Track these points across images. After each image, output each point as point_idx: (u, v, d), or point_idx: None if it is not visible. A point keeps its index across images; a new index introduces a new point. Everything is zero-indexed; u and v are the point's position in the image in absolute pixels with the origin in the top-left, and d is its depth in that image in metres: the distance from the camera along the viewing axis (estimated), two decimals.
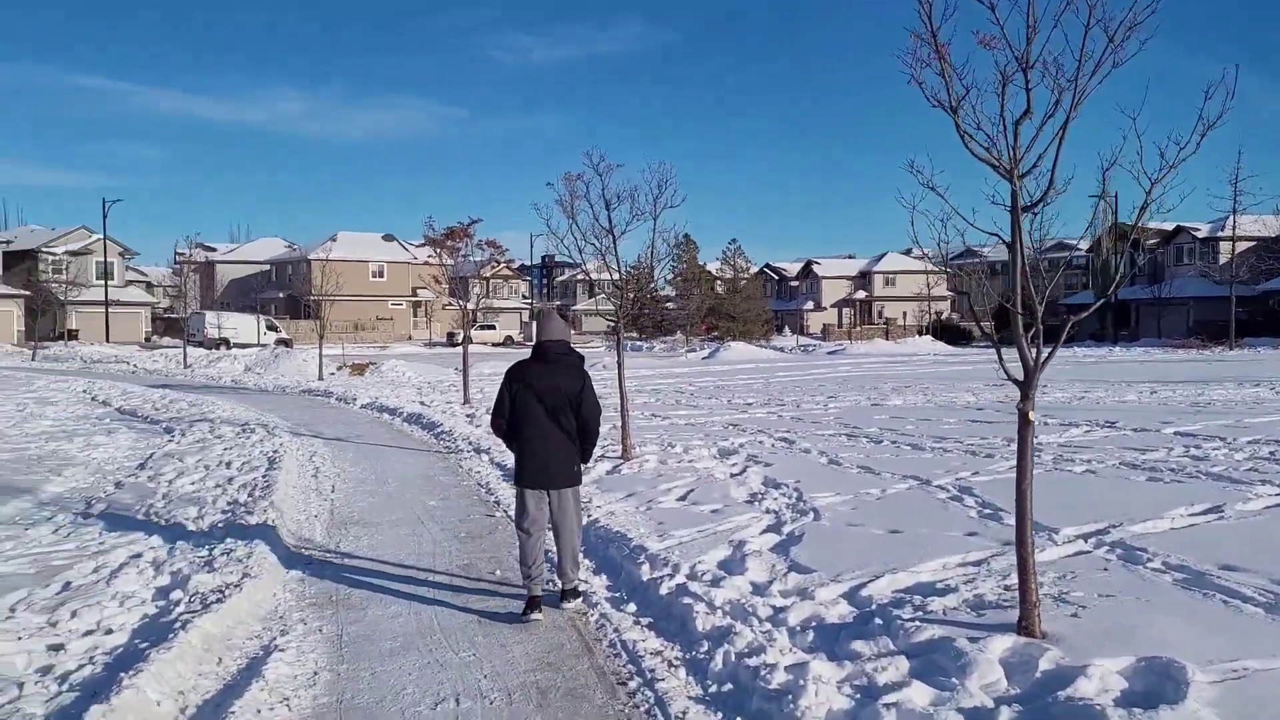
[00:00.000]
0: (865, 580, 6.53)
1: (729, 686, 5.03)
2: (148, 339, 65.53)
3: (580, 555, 6.89)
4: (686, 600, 6.24)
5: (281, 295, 76.19)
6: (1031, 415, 5.13)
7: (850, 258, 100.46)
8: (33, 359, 45.10)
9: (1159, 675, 4.57)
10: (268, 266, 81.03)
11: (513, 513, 8.94)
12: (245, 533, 8.32)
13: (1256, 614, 5.56)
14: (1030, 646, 4.95)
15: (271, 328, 62.50)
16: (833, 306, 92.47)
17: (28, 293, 57.71)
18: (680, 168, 12.67)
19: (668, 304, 72.37)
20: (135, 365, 41.87)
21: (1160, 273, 63.01)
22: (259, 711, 4.82)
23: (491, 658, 5.63)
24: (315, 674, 5.38)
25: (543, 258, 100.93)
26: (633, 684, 5.20)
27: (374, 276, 75.48)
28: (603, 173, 12.30)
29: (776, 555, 7.37)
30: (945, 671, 4.82)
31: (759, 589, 6.54)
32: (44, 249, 64.31)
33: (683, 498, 9.80)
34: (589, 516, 8.66)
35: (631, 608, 6.52)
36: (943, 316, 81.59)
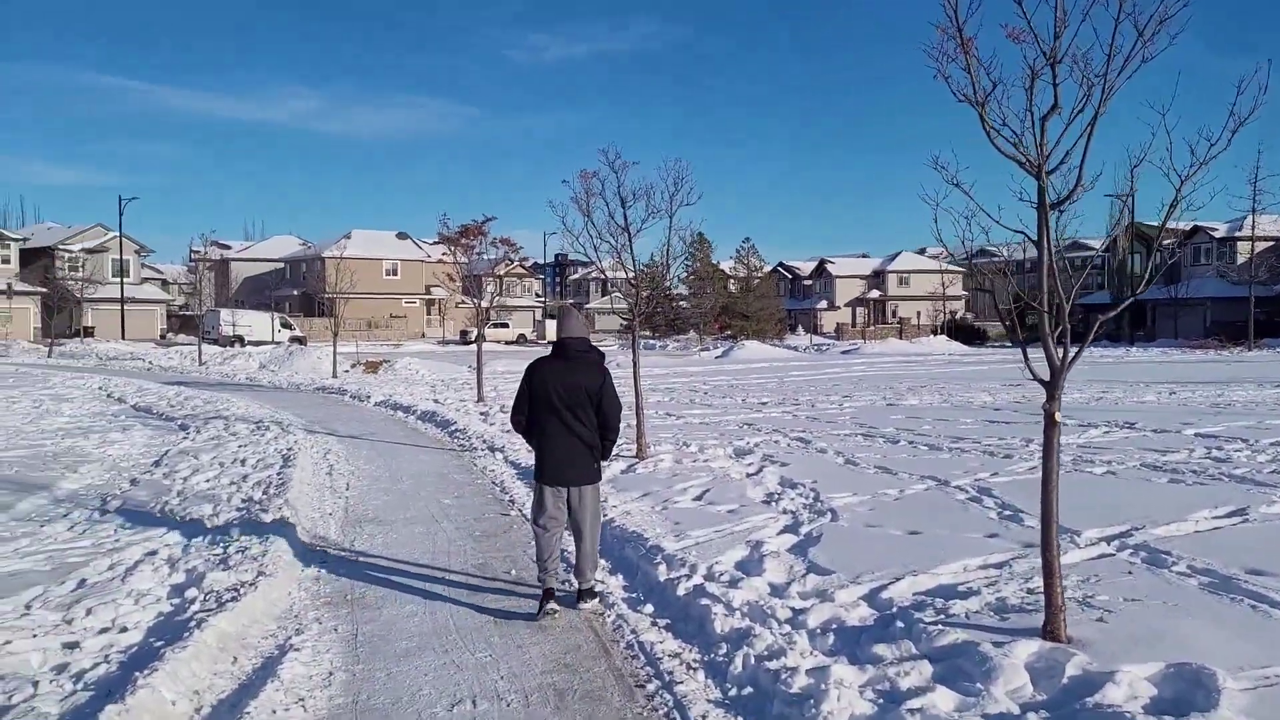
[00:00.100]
0: (885, 582, 6.45)
1: (749, 690, 4.96)
2: (163, 336, 65.79)
3: (598, 556, 6.83)
4: (704, 601, 6.17)
5: (296, 293, 76.39)
6: (1058, 416, 5.04)
7: (864, 257, 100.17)
8: (49, 356, 45.33)
9: (1189, 682, 4.48)
10: (282, 264, 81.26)
11: (528, 511, 8.91)
12: (260, 530, 8.29)
13: None
14: (1056, 651, 4.87)
15: (286, 325, 62.69)
16: (846, 306, 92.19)
17: (44, 290, 58.01)
18: (694, 166, 12.56)
19: (681, 302, 72.29)
20: (150, 362, 42.01)
21: (1177, 273, 62.57)
22: (274, 712, 4.78)
23: (508, 658, 5.57)
24: (331, 674, 5.34)
25: (556, 256, 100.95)
26: (651, 686, 5.14)
27: (388, 274, 75.61)
28: (618, 170, 12.26)
29: (794, 556, 7.30)
30: (970, 676, 4.74)
31: (777, 590, 6.47)
32: (60, 246, 64.63)
33: (698, 497, 9.74)
34: (604, 516, 8.59)
35: (649, 608, 6.46)
36: (957, 316, 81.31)
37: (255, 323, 60.83)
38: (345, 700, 5.00)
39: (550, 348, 6.84)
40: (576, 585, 6.63)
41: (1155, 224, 57.77)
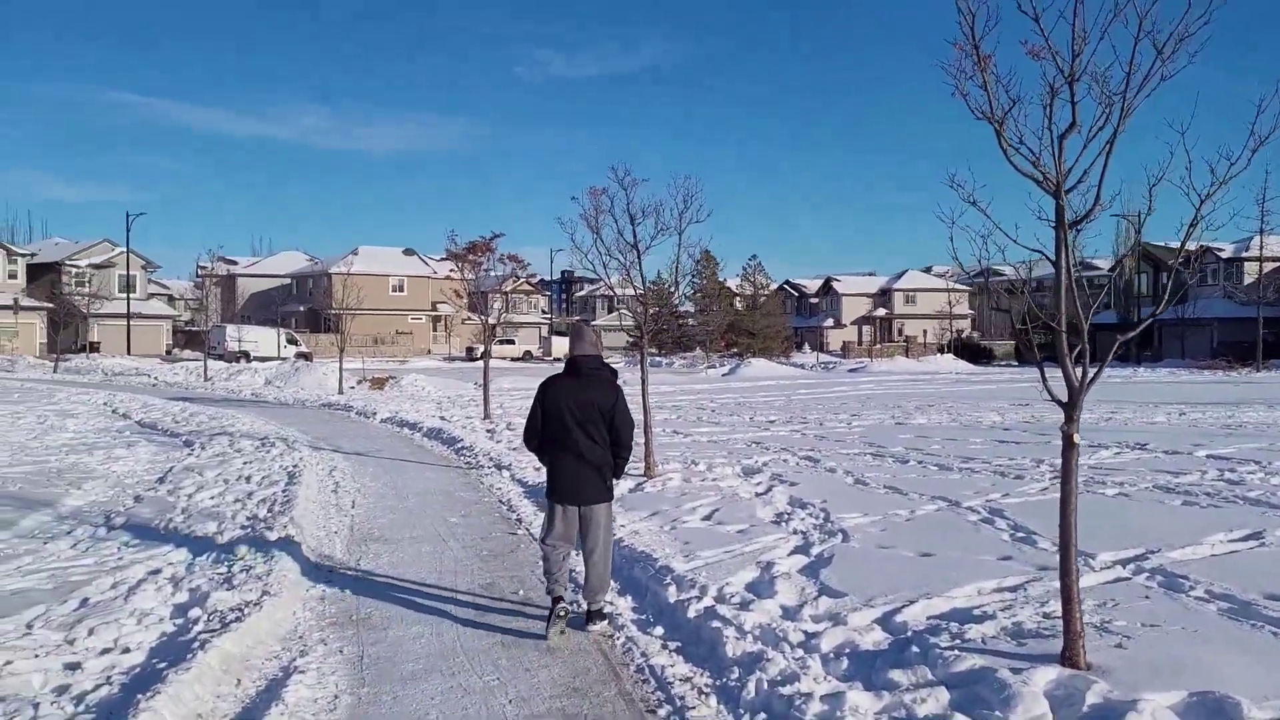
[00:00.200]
0: (899, 605, 6.36)
1: (762, 716, 4.86)
2: (169, 352, 65.85)
3: (609, 578, 6.73)
4: (715, 624, 6.08)
5: (302, 309, 76.50)
6: (1076, 438, 4.95)
7: (870, 275, 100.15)
8: (54, 371, 45.36)
9: (1213, 711, 4.39)
10: (288, 280, 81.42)
11: (536, 530, 8.84)
12: (265, 549, 8.21)
13: None
14: (1076, 679, 4.77)
15: (292, 341, 62.69)
16: (852, 324, 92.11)
17: (51, 305, 58.12)
18: (701, 183, 12.49)
19: (687, 320, 72.23)
20: (156, 378, 42.02)
21: (1184, 293, 62.31)
22: None
23: (516, 682, 5.48)
24: (336, 697, 5.25)
25: (562, 273, 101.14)
26: (662, 712, 5.04)
27: (394, 291, 75.71)
28: (628, 187, 12.21)
29: (806, 578, 7.21)
30: (988, 704, 4.64)
31: (789, 613, 6.38)
32: (67, 262, 64.83)
33: (707, 517, 9.65)
34: (613, 535, 8.50)
35: (659, 630, 6.36)
36: (963, 334, 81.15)
37: (261, 339, 60.85)
38: None
39: (563, 365, 6.80)
40: (585, 606, 6.54)
41: (1161, 244, 57.81)
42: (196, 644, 5.69)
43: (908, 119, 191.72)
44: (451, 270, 25.14)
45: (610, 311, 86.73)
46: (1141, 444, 15.05)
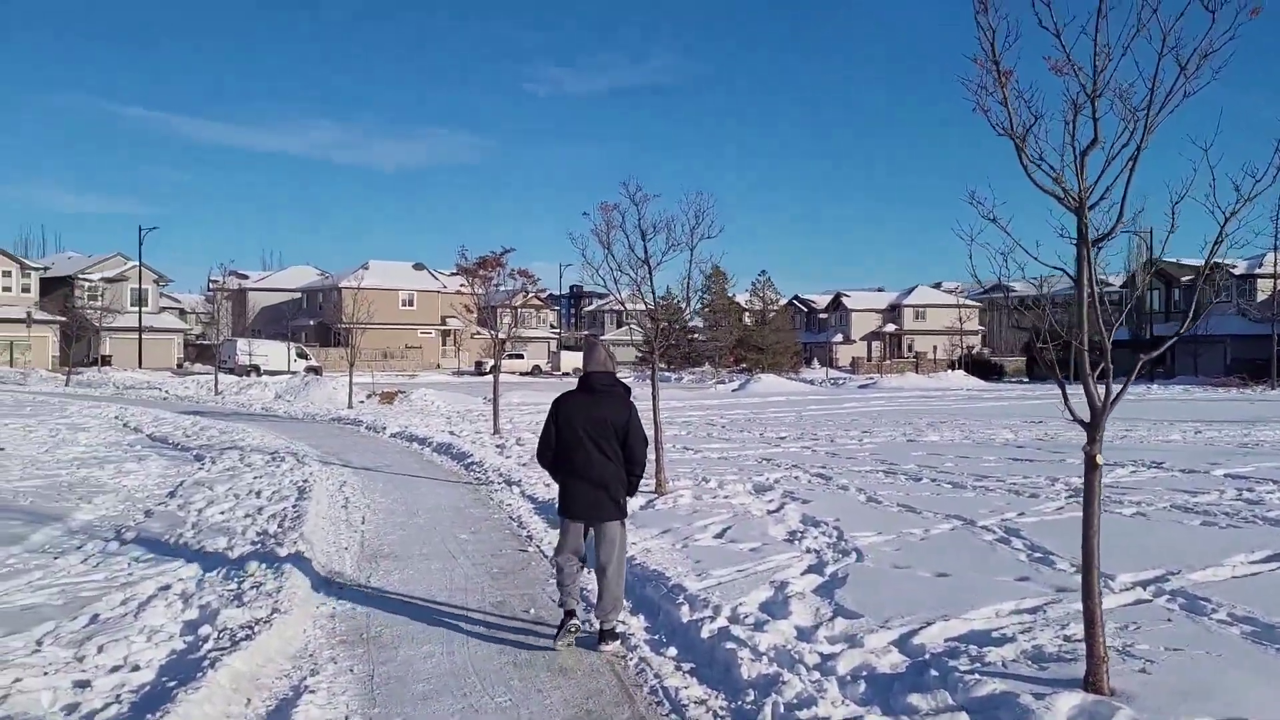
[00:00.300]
0: (916, 627, 6.27)
1: None
2: (180, 365, 66.06)
3: (622, 597, 6.67)
4: (730, 645, 6.00)
5: (312, 323, 76.70)
6: (1099, 459, 4.87)
7: (880, 290, 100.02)
8: (66, 384, 45.47)
9: None
10: (299, 294, 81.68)
11: (545, 547, 8.79)
12: (275, 565, 8.16)
13: None
14: (1100, 705, 4.68)
15: (302, 355, 62.85)
16: (862, 339, 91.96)
17: (63, 319, 58.33)
18: (711, 198, 12.42)
19: (696, 335, 72.23)
20: (167, 391, 42.11)
21: (1197, 310, 62.00)
22: None
23: (528, 703, 5.41)
24: (347, 718, 5.19)
25: (571, 287, 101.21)
26: None
27: (404, 305, 75.87)
28: (639, 203, 12.19)
29: (820, 598, 7.12)
30: None
31: (804, 634, 6.30)
32: (80, 275, 65.17)
33: (720, 535, 9.57)
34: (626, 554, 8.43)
35: (672, 651, 6.29)
36: (973, 351, 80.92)
37: (272, 352, 60.97)
38: None
39: (575, 381, 6.77)
40: (598, 625, 6.48)
41: (1173, 260, 57.61)
42: (207, 662, 5.64)
43: (919, 134, 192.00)
44: (462, 285, 25.15)
45: (619, 326, 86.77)
46: (1158, 462, 14.92)
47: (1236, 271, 61.44)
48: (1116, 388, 4.84)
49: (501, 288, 25.33)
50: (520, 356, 70.07)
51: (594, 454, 6.41)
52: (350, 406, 31.98)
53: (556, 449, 6.54)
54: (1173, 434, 20.60)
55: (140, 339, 62.85)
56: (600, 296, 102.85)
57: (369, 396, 34.62)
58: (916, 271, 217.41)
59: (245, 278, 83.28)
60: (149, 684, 5.47)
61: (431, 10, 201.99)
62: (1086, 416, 4.94)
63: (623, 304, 13.53)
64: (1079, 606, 6.38)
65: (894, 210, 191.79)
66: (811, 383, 58.69)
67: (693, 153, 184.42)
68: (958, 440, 19.56)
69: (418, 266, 79.59)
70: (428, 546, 9.68)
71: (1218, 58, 4.57)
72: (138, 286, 65.18)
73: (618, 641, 6.37)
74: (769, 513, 10.72)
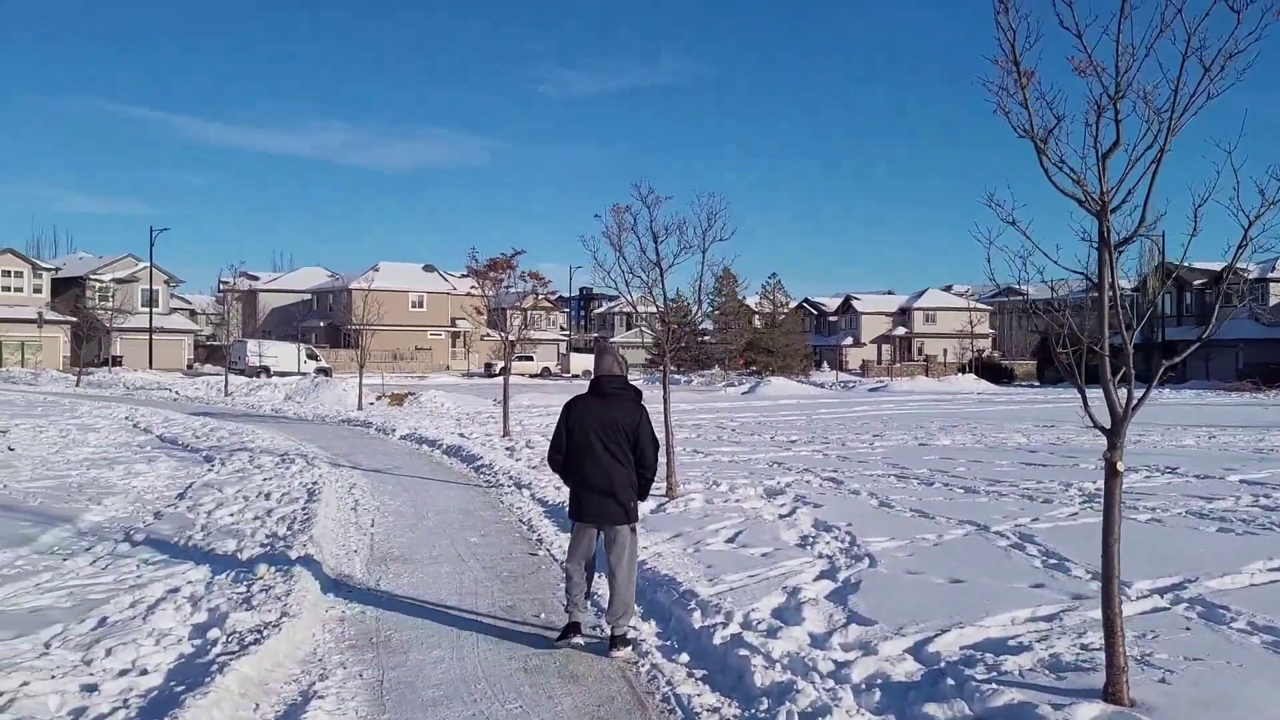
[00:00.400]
0: (931, 634, 6.20)
1: None
2: (190, 366, 66.21)
3: (633, 602, 6.61)
4: (742, 652, 5.93)
5: (322, 324, 76.81)
6: (1120, 466, 4.80)
7: (890, 294, 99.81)
8: (77, 385, 45.59)
9: None
10: (309, 296, 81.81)
11: (556, 551, 8.76)
12: (284, 568, 8.11)
13: None
14: (1120, 716, 4.61)
15: (312, 356, 62.90)
16: (872, 342, 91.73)
17: (74, 319, 58.58)
18: (724, 200, 12.37)
19: (706, 338, 72.12)
20: (177, 392, 42.18)
21: (1209, 314, 61.67)
22: None
23: (539, 709, 5.35)
24: None
25: (581, 289, 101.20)
26: None
27: (414, 307, 75.92)
28: (651, 205, 12.14)
29: (834, 604, 7.05)
30: None
31: (818, 641, 6.23)
32: (91, 276, 65.37)
33: (731, 539, 9.50)
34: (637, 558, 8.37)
35: (684, 658, 6.23)
36: (984, 354, 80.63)
37: (281, 354, 61.05)
38: None
39: (586, 384, 6.75)
40: (609, 631, 6.43)
41: (1185, 265, 57.26)
42: (215, 667, 5.59)
43: (930, 137, 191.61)
44: (472, 287, 25.14)
45: (629, 329, 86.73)
46: (1172, 468, 14.80)
47: (1249, 275, 61.10)
48: (1137, 393, 4.76)
49: (511, 290, 25.29)
50: (530, 359, 70.05)
51: (605, 458, 6.40)
52: (360, 408, 31.97)
53: (567, 452, 6.53)
54: (1186, 439, 20.45)
55: (151, 340, 63.00)
56: (610, 299, 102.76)
57: (379, 398, 34.63)
58: (927, 274, 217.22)
59: (255, 279, 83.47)
60: (157, 688, 5.42)
61: (441, 13, 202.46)
62: (1107, 422, 4.87)
63: (634, 306, 13.48)
64: (1096, 614, 6.33)
65: (905, 213, 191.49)
66: (821, 386, 58.56)
67: (702, 155, 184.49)
68: (969, 444, 19.45)
69: (428, 268, 79.65)
70: (437, 549, 9.64)
71: (1242, 59, 4.49)
72: (148, 287, 65.32)
73: (629, 648, 6.31)
74: (780, 517, 10.65)
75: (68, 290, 63.38)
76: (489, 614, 7.30)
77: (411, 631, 6.82)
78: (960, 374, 66.31)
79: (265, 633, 6.30)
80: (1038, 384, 63.49)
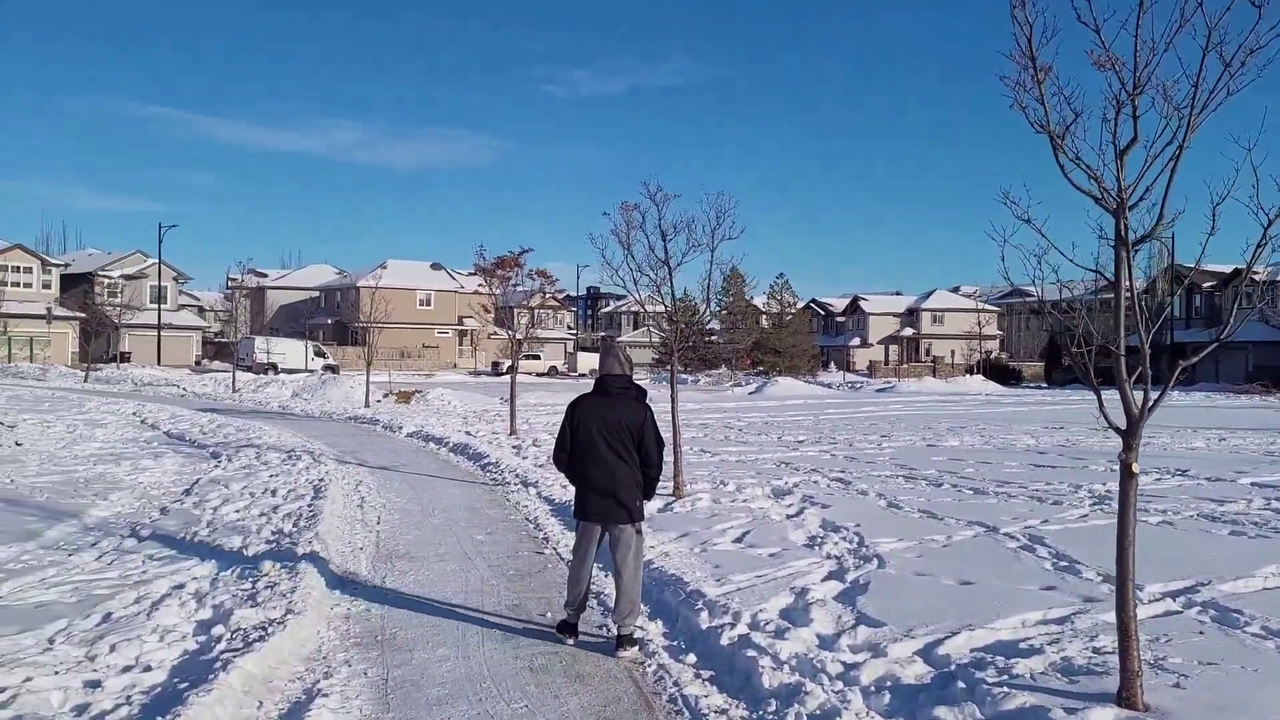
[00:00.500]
0: (941, 636, 6.13)
1: None
2: (198, 362, 66.30)
3: (639, 601, 6.57)
4: (750, 653, 5.88)
5: (330, 322, 76.89)
6: (1135, 467, 4.73)
7: (897, 294, 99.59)
8: (85, 381, 45.67)
9: None
10: (317, 293, 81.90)
11: (562, 550, 8.71)
12: (289, 565, 8.07)
13: None
14: None
15: (319, 354, 62.97)
16: (879, 343, 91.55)
17: (83, 315, 58.66)
18: (733, 199, 12.29)
19: (714, 338, 72.02)
20: (185, 389, 42.24)
21: (1218, 316, 61.55)
22: None
23: (544, 709, 5.30)
24: None
25: (588, 289, 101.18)
26: None
27: (421, 305, 75.94)
28: (659, 203, 12.07)
29: (842, 605, 6.99)
30: None
31: (826, 642, 6.17)
32: (100, 272, 65.50)
33: (739, 539, 9.44)
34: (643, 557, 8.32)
35: (691, 659, 6.17)
36: (992, 356, 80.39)
37: (289, 351, 61.12)
38: None
39: (592, 384, 6.72)
40: (615, 630, 6.38)
41: (1193, 266, 57.05)
42: (219, 664, 5.55)
43: (938, 138, 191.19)
44: (480, 285, 25.08)
45: (636, 328, 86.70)
46: (1182, 470, 14.71)
47: (1259, 277, 60.81)
48: (1153, 394, 4.69)
49: (519, 288, 25.24)
50: (537, 357, 70.05)
51: (609, 457, 6.38)
52: (367, 405, 31.98)
53: (572, 451, 6.52)
54: (1196, 441, 20.33)
55: (159, 336, 63.11)
56: (618, 298, 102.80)
57: (386, 396, 34.62)
58: (934, 275, 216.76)
59: (264, 276, 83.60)
60: (160, 685, 5.38)
61: (447, 13, 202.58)
62: (1122, 423, 4.80)
63: (641, 305, 13.41)
64: (1107, 617, 6.27)
65: (912, 214, 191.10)
66: (829, 386, 58.45)
67: (706, 155, 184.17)
68: (978, 445, 19.36)
69: (435, 266, 79.67)
70: (443, 547, 9.60)
71: (1263, 54, 4.42)
72: (157, 284, 65.41)
73: (636, 648, 6.27)
74: (788, 517, 10.59)
75: (76, 286, 63.53)
76: (495, 612, 7.26)
77: (417, 629, 6.77)
78: (968, 375, 66.12)
79: (270, 630, 6.26)
80: (1045, 386, 63.30)
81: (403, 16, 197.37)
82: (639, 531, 6.54)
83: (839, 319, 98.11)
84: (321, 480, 13.23)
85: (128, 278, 65.65)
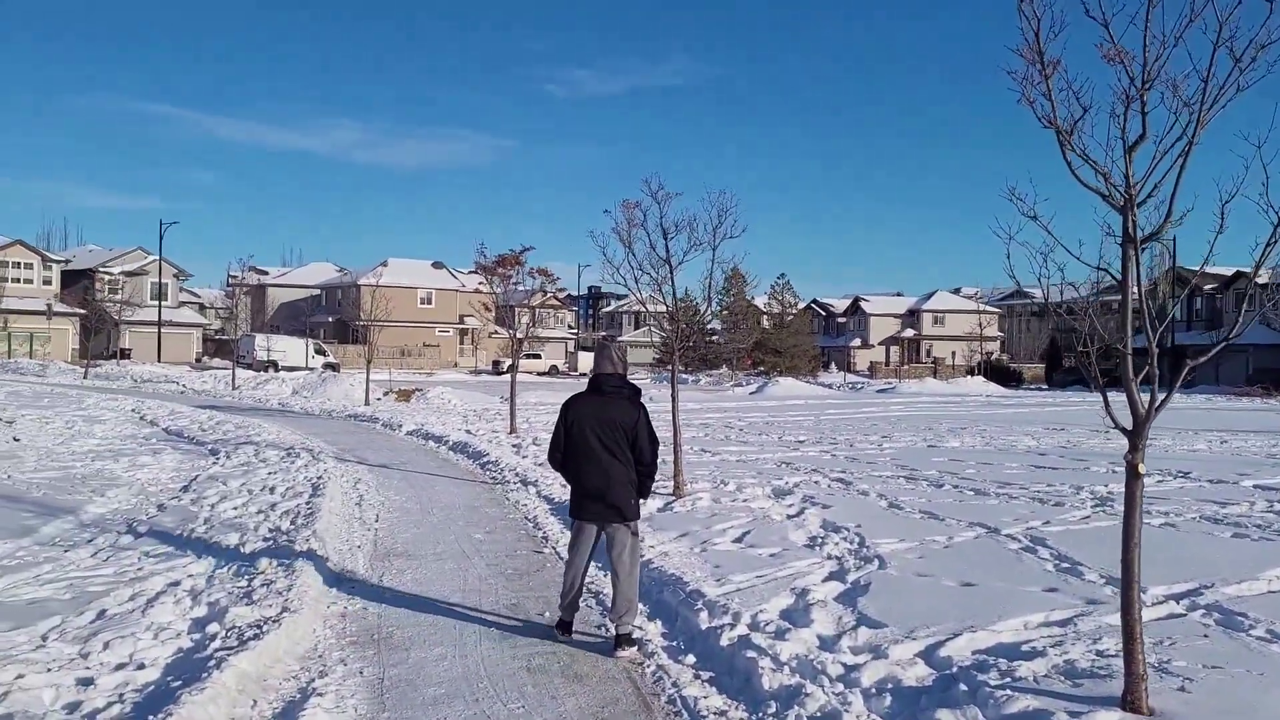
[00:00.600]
0: (942, 638, 6.07)
1: None
2: (198, 360, 66.22)
3: (637, 600, 6.52)
4: (750, 654, 5.82)
5: (330, 320, 76.82)
6: (1142, 468, 4.67)
7: (898, 295, 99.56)
8: (84, 377, 45.61)
9: None
10: (318, 291, 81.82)
11: (561, 549, 8.67)
12: (286, 563, 8.02)
13: None
14: None
15: (320, 351, 62.91)
16: (880, 344, 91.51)
17: (83, 311, 58.57)
18: (735, 197, 12.22)
19: (715, 337, 71.96)
20: (184, 386, 42.19)
21: (1219, 318, 61.51)
22: None
23: (542, 710, 5.24)
24: None
25: (589, 288, 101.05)
26: None
27: (422, 303, 75.87)
28: (661, 201, 12.00)
29: (843, 606, 6.94)
30: None
31: (827, 644, 6.11)
32: (101, 269, 65.39)
33: (739, 539, 9.38)
34: (642, 556, 8.25)
35: (690, 659, 6.11)
36: (992, 357, 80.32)
37: (290, 348, 61.08)
38: None
39: (586, 383, 6.68)
40: (614, 630, 6.33)
41: (1195, 269, 56.94)
42: (213, 662, 5.49)
43: (939, 138, 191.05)
44: (480, 284, 25.02)
45: (638, 328, 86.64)
46: (1184, 472, 14.64)
47: (1260, 280, 60.77)
48: (1167, 396, 4.63)
49: (520, 286, 25.18)
50: (538, 356, 70.00)
51: (603, 456, 6.35)
52: (367, 403, 31.93)
53: (566, 451, 6.51)
54: (1198, 443, 20.28)
55: (159, 333, 63.04)
56: (619, 298, 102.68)
57: (386, 394, 34.58)
58: (935, 276, 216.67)
59: (265, 274, 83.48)
60: (153, 683, 5.33)
61: (448, 13, 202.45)
62: (1128, 423, 4.74)
63: (642, 304, 13.35)
64: (1110, 619, 6.22)
65: (913, 215, 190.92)
66: (829, 386, 58.39)
67: (710, 154, 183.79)
68: (979, 446, 19.30)
69: (437, 265, 79.59)
70: (441, 546, 9.54)
71: (1274, 50, 4.36)
72: (158, 280, 65.32)
73: (634, 648, 6.21)
74: (789, 517, 10.53)
75: (77, 282, 63.46)
76: (493, 612, 7.20)
77: (414, 628, 6.72)
78: (968, 376, 66.09)
79: (265, 628, 6.21)
80: (1046, 387, 63.26)
81: (403, 16, 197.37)
82: (634, 531, 6.50)
83: (840, 320, 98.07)
84: (320, 478, 13.17)
85: (128, 274, 65.56)
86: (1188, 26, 4.31)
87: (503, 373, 59.29)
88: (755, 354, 70.89)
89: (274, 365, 56.58)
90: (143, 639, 6.04)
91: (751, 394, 48.26)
